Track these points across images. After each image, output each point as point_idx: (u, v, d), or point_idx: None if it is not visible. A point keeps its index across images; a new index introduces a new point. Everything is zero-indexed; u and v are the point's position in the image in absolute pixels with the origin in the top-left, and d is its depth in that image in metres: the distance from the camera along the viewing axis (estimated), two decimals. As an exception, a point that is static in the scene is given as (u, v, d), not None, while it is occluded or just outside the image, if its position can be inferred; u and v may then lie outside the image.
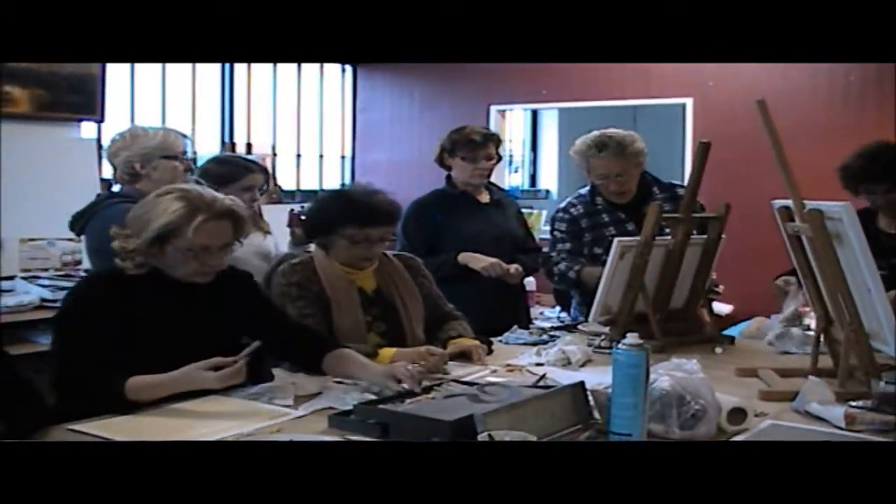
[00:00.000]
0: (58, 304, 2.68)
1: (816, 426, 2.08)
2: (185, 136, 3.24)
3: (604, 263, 3.09)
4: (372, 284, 2.94)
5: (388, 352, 2.70)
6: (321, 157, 7.16)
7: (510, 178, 7.91)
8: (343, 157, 7.34)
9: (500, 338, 3.17)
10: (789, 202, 2.50)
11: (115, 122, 5.27)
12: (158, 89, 5.84)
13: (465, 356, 2.80)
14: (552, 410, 1.99)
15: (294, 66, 6.82)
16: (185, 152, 3.16)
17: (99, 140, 5.25)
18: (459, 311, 3.10)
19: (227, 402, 2.28)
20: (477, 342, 2.88)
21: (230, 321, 2.46)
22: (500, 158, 3.87)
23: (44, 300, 4.10)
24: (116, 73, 5.42)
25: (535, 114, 8.23)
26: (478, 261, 3.59)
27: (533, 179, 8.49)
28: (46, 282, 4.37)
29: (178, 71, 5.96)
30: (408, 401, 2.14)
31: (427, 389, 2.25)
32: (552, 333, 3.26)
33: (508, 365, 2.75)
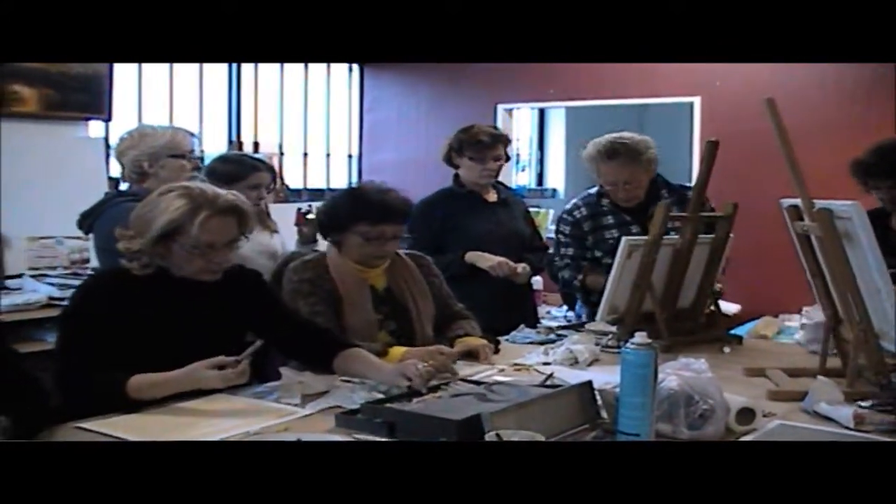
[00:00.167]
0: (65, 303, 2.68)
1: (825, 426, 2.07)
2: (193, 134, 3.24)
3: (605, 267, 3.08)
4: (383, 283, 2.94)
5: (397, 350, 2.70)
6: (328, 155, 7.16)
7: (517, 176, 7.91)
8: (350, 156, 7.35)
9: (507, 337, 3.17)
10: (798, 201, 2.49)
11: (123, 121, 5.28)
12: (166, 88, 5.85)
13: (471, 355, 2.80)
14: (559, 410, 1.99)
15: (301, 65, 6.83)
16: (192, 151, 3.16)
17: (107, 139, 5.27)
18: (467, 310, 3.10)
19: (233, 401, 2.28)
20: (484, 341, 2.87)
21: (238, 320, 2.46)
22: (508, 158, 3.86)
23: (51, 298, 4.10)
24: (124, 73, 5.43)
25: (542, 112, 8.23)
26: (485, 260, 3.59)
27: (540, 178, 8.49)
28: (54, 280, 4.38)
29: (186, 70, 5.98)
30: (415, 400, 2.14)
31: (434, 388, 2.25)
32: (559, 332, 3.25)
33: (516, 364, 2.74)
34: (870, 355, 2.35)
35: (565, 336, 3.11)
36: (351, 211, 2.85)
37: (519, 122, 7.70)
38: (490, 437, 1.72)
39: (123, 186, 3.32)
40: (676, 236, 3.09)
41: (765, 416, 2.08)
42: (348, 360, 2.52)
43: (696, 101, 5.95)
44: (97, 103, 5.11)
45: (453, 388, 2.26)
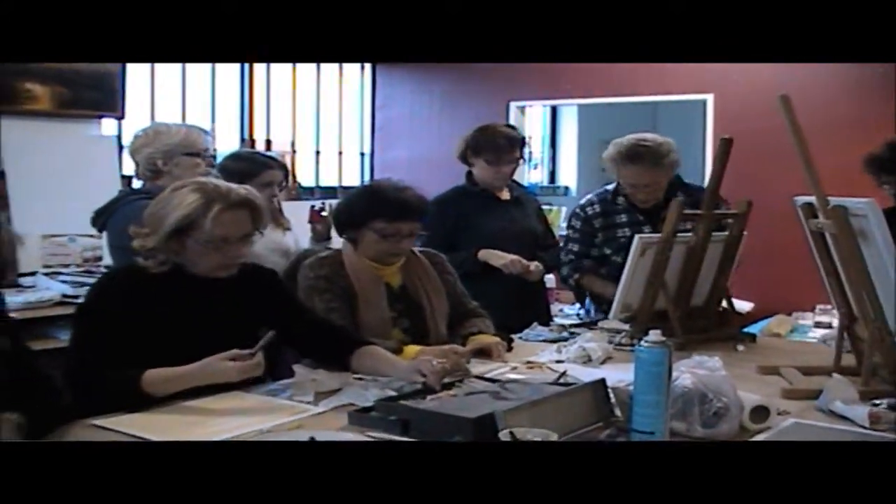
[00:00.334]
0: (79, 301, 2.69)
1: (840, 425, 2.06)
2: (207, 132, 3.25)
3: (614, 265, 3.06)
4: (398, 280, 2.94)
5: (412, 349, 2.70)
6: (340, 153, 7.16)
7: (529, 174, 7.91)
8: (362, 154, 7.35)
9: (520, 335, 3.16)
10: (812, 199, 2.47)
11: (136, 118, 5.29)
12: (178, 86, 5.86)
13: (484, 353, 2.79)
14: (573, 408, 1.98)
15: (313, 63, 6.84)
16: (207, 149, 3.17)
17: (119, 137, 5.29)
18: (481, 308, 3.10)
19: (247, 399, 2.28)
20: (497, 339, 2.87)
21: (254, 318, 2.46)
22: (523, 159, 3.85)
23: (65, 296, 4.11)
24: (136, 71, 5.43)
25: (554, 110, 8.21)
26: (498, 258, 3.58)
27: (552, 176, 8.47)
28: (67, 278, 4.39)
29: (198, 68, 5.98)
30: (429, 398, 2.14)
31: (448, 386, 2.25)
32: (572, 330, 3.25)
33: (529, 362, 2.74)
34: (885, 353, 2.34)
35: (578, 334, 3.10)
36: (367, 208, 2.85)
37: (531, 119, 7.69)
38: (504, 434, 1.72)
39: (137, 184, 3.32)
40: (690, 234, 3.08)
41: (779, 414, 2.08)
42: (364, 356, 2.53)
43: (709, 98, 5.93)
44: (110, 101, 5.12)
45: (467, 385, 2.26)
